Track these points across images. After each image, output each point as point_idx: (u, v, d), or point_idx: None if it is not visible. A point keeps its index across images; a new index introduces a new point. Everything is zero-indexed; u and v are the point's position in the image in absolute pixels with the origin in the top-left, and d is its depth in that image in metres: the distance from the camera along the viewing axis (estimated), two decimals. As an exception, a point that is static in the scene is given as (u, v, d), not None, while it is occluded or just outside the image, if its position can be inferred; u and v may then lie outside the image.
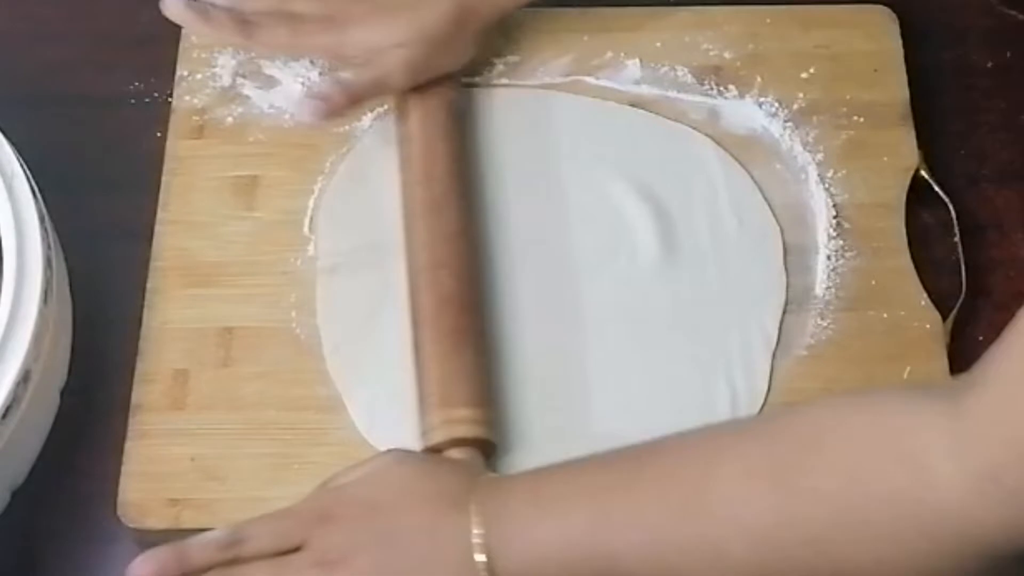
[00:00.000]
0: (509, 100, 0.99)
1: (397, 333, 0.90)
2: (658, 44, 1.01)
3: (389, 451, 0.83)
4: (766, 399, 0.89)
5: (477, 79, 1.00)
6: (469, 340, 0.88)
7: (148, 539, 0.86)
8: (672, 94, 1.00)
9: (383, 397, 0.89)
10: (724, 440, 0.75)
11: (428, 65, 0.94)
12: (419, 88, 0.95)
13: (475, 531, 0.75)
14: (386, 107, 0.99)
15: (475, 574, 0.75)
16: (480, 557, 0.75)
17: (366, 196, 0.96)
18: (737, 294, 0.92)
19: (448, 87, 0.96)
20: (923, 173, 0.96)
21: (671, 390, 0.89)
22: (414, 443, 0.87)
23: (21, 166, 0.86)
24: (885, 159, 0.97)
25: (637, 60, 1.00)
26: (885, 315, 0.92)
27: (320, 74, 1.00)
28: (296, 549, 0.77)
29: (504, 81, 1.00)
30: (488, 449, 0.86)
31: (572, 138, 0.98)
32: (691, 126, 0.98)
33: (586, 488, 0.76)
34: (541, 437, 0.88)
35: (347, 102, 0.93)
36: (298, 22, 0.95)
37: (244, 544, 0.78)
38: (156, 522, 0.86)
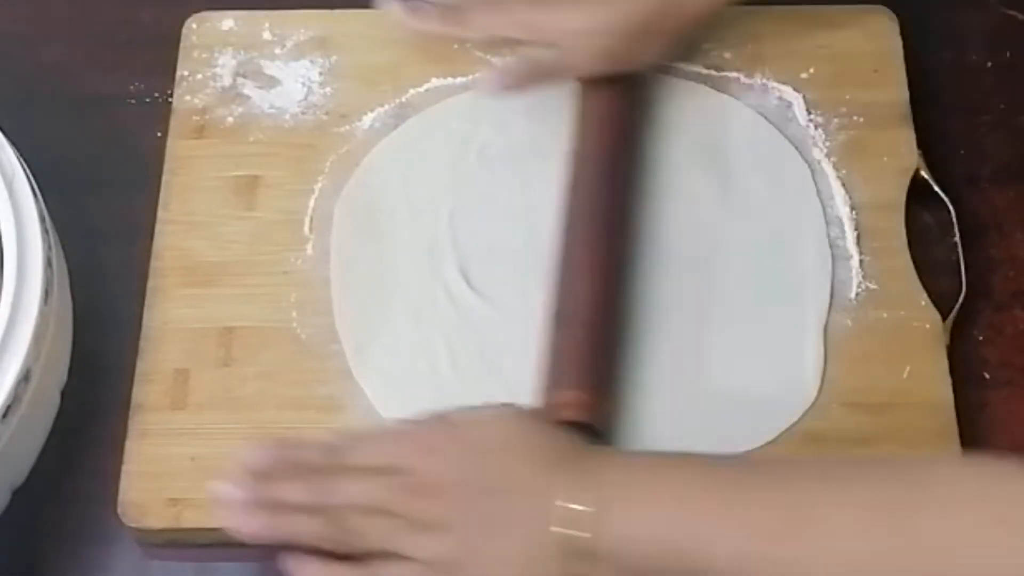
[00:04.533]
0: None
1: (417, 333, 0.91)
2: (658, 44, 1.01)
3: (508, 404, 0.83)
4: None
5: (480, 74, 1.00)
6: (607, 321, 0.89)
7: (148, 538, 0.86)
8: (673, 94, 1.00)
9: (418, 397, 0.89)
10: (837, 470, 0.76)
11: (625, 56, 0.94)
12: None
13: (572, 503, 0.75)
14: (386, 107, 0.99)
15: (546, 541, 0.75)
16: (558, 527, 0.75)
17: (379, 197, 0.96)
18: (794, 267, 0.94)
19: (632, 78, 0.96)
20: (923, 173, 0.96)
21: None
22: None
23: (21, 166, 0.86)
24: (885, 159, 0.97)
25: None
26: (885, 315, 0.92)
27: (320, 74, 1.00)
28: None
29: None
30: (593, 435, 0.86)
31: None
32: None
33: (700, 482, 0.76)
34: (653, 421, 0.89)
35: (532, 80, 0.94)
36: (502, 3, 0.96)
37: (351, 453, 0.80)
38: (156, 521, 0.86)
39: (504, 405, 0.83)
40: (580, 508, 0.75)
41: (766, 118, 0.98)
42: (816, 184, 0.96)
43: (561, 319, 0.89)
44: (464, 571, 0.77)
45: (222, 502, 0.79)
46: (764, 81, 1.00)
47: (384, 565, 0.78)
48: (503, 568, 0.76)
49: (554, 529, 0.75)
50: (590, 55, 0.94)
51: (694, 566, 0.74)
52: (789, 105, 0.99)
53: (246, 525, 0.79)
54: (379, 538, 0.78)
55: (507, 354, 0.90)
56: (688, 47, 0.99)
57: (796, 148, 0.97)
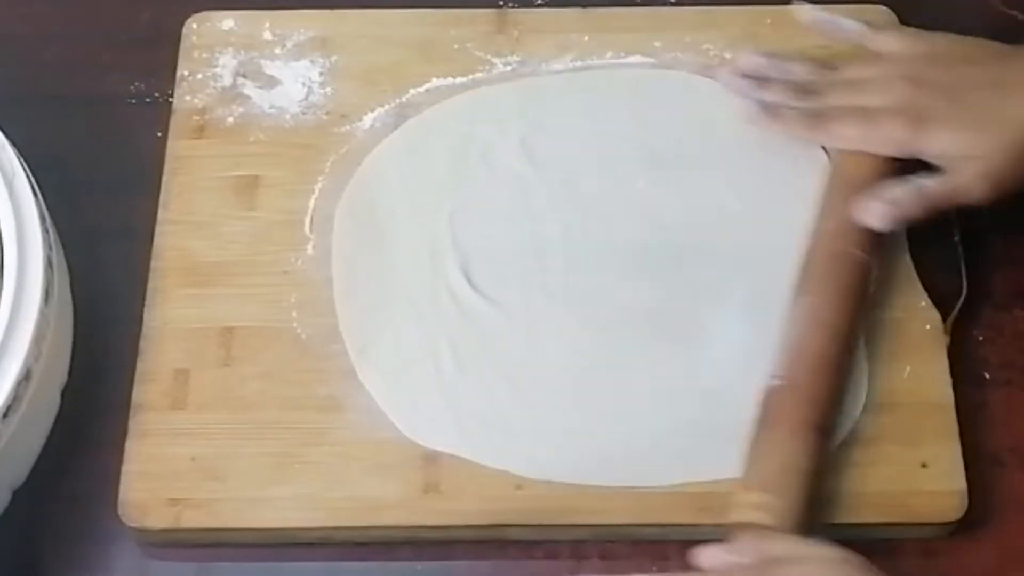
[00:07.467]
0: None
1: (420, 333, 0.91)
2: (658, 44, 1.01)
3: (826, 549, 0.80)
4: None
5: (480, 74, 1.00)
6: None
7: (148, 538, 0.87)
8: (674, 94, 1.00)
9: (423, 396, 0.89)
10: None
11: (1010, 179, 0.91)
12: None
13: None
14: (386, 107, 0.99)
15: None
16: None
17: (380, 197, 0.96)
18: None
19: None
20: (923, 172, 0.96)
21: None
22: (458, 437, 0.87)
23: (22, 166, 0.86)
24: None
25: (638, 60, 1.00)
26: (885, 315, 0.92)
27: (320, 74, 1.00)
28: None
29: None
30: None
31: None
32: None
33: None
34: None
35: (922, 212, 0.91)
36: (870, 114, 0.93)
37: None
38: (156, 521, 0.86)
39: (825, 549, 0.79)
40: None
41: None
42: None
43: None
44: None
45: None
46: (765, 81, 1.00)
47: None
48: None
49: None
50: (977, 179, 0.90)
51: None
52: (790, 105, 0.99)
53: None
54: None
55: (511, 353, 0.90)
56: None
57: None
